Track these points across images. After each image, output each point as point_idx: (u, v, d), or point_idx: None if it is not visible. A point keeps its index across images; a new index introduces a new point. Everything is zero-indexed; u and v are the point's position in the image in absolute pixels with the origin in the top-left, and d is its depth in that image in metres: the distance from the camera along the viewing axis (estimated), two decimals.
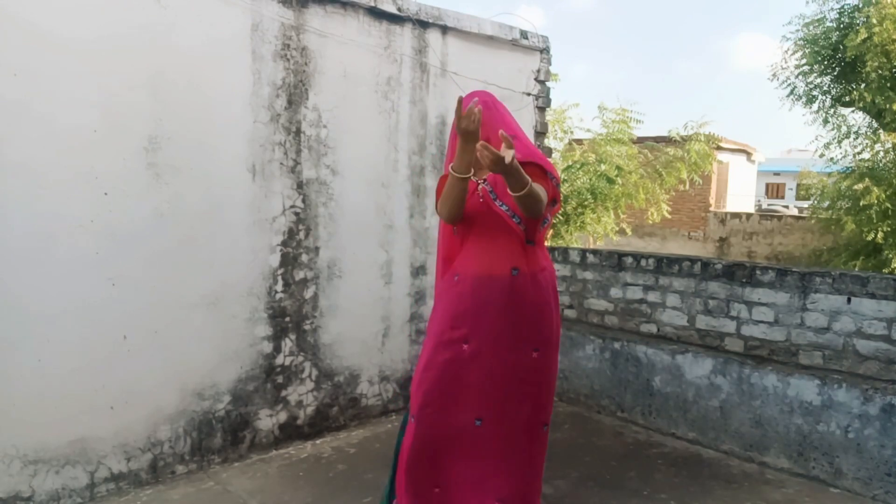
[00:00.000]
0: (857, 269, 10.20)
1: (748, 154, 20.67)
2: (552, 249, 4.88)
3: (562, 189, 9.24)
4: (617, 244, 11.18)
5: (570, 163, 9.63)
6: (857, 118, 11.13)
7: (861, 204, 9.96)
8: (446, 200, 2.32)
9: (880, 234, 10.00)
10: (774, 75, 11.50)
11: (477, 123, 2.15)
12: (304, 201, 3.65)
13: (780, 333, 3.64)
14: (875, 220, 9.96)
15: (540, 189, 2.23)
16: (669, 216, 11.24)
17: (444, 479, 2.42)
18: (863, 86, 10.13)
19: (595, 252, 4.62)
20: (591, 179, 9.24)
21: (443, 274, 2.54)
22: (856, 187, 10.03)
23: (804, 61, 10.83)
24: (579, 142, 10.62)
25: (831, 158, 11.27)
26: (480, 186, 2.37)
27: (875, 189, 9.78)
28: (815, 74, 10.88)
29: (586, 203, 9.33)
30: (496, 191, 2.33)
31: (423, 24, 4.07)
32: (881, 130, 10.46)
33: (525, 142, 2.48)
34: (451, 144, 2.44)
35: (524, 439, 2.44)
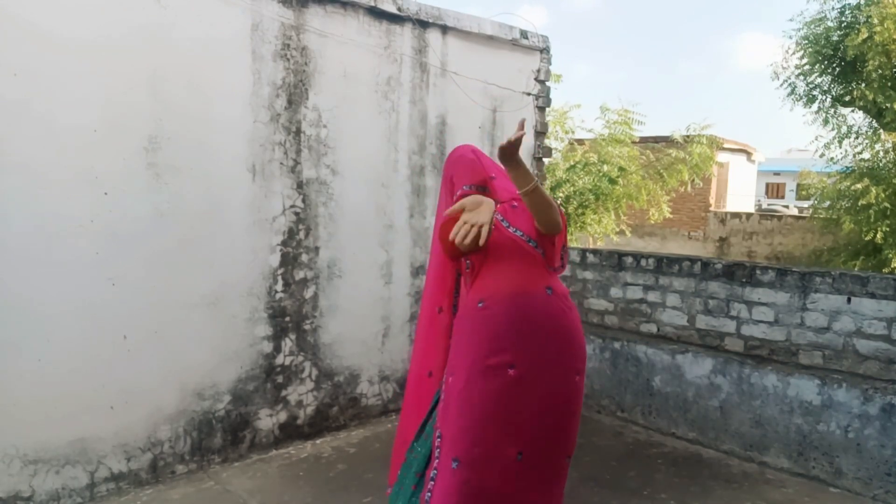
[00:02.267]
0: (857, 268, 10.20)
1: (748, 154, 20.67)
2: None
3: (563, 190, 9.26)
4: (617, 244, 11.18)
5: (573, 163, 9.64)
6: (857, 118, 11.14)
7: (860, 204, 9.96)
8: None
9: (879, 234, 10.00)
10: (775, 75, 11.51)
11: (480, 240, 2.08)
12: (304, 201, 3.65)
13: (780, 333, 3.64)
14: (874, 220, 9.96)
15: (552, 200, 2.13)
16: (670, 216, 11.25)
17: None
18: (863, 85, 10.13)
19: (595, 252, 4.62)
20: (593, 180, 9.25)
21: (431, 316, 2.42)
22: (855, 187, 10.03)
23: (805, 61, 10.83)
24: (580, 142, 10.63)
25: (831, 158, 11.26)
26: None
27: (874, 189, 9.78)
28: (816, 74, 10.88)
29: (587, 203, 9.33)
30: (507, 218, 2.24)
31: (423, 24, 4.07)
32: (881, 130, 10.46)
33: (510, 186, 2.35)
34: (443, 199, 2.42)
35: (552, 473, 2.22)
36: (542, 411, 2.14)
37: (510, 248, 2.21)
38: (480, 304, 2.19)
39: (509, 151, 2.00)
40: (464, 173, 2.37)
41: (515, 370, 2.11)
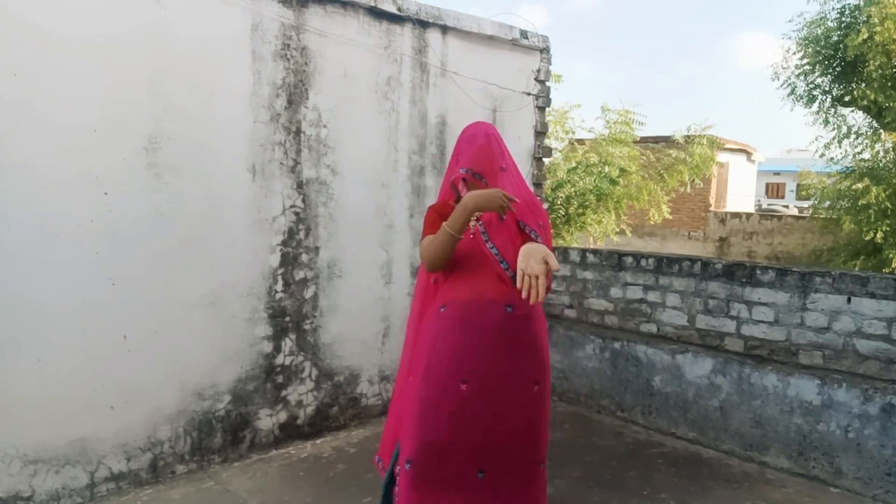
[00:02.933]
0: (857, 268, 10.20)
1: (748, 154, 20.68)
2: (552, 250, 4.87)
3: (564, 190, 9.26)
4: (617, 244, 11.19)
5: (575, 164, 9.63)
6: (857, 118, 11.14)
7: (860, 203, 9.96)
8: (435, 252, 2.12)
9: (880, 234, 10.00)
10: (776, 75, 11.52)
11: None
12: (304, 201, 3.65)
13: (780, 333, 3.64)
14: (874, 220, 9.96)
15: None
16: (670, 216, 11.25)
17: None
18: (863, 85, 10.13)
19: (595, 252, 4.62)
20: (594, 180, 9.25)
21: (417, 322, 2.38)
22: (855, 187, 10.04)
23: (805, 61, 10.83)
24: (581, 142, 10.63)
25: (831, 158, 11.27)
26: (473, 225, 2.21)
27: (874, 188, 9.78)
28: (817, 74, 10.89)
29: (587, 204, 9.34)
30: (489, 232, 2.18)
31: (423, 24, 4.07)
32: (881, 130, 10.46)
33: (518, 181, 2.34)
34: (446, 185, 2.37)
35: (524, 483, 2.23)
36: (501, 423, 2.15)
37: (479, 260, 2.19)
38: (443, 310, 2.21)
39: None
40: (469, 154, 2.25)
41: (468, 385, 2.13)
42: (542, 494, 2.30)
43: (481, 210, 2.08)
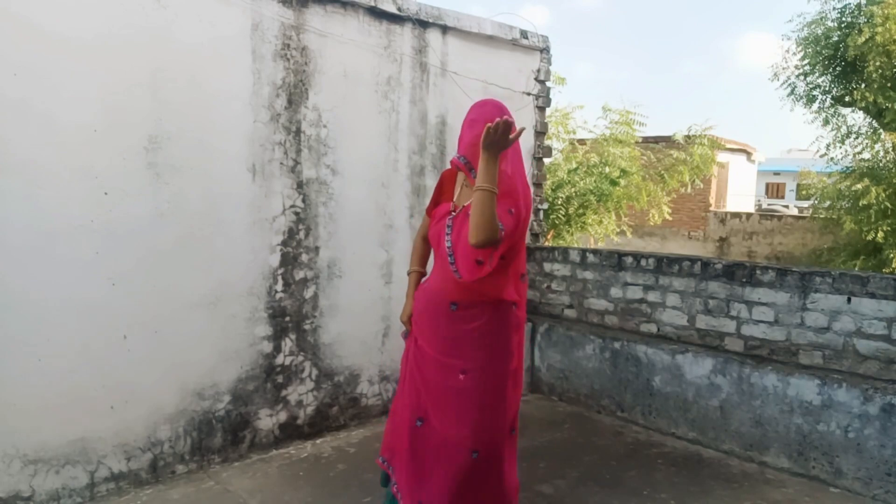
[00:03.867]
0: (857, 268, 10.20)
1: (748, 154, 20.68)
2: (552, 249, 4.88)
3: (564, 191, 9.26)
4: (617, 244, 11.19)
5: (575, 165, 9.64)
6: (857, 118, 11.14)
7: (861, 203, 9.96)
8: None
9: (880, 234, 10.00)
10: (776, 75, 11.52)
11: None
12: (304, 201, 3.65)
13: (780, 333, 3.64)
14: (874, 220, 9.97)
15: (490, 214, 2.03)
16: (670, 217, 11.25)
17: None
18: (863, 86, 10.13)
19: (595, 252, 4.62)
20: (594, 181, 9.26)
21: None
22: (855, 187, 10.04)
23: (806, 61, 10.83)
24: (582, 142, 10.63)
25: (831, 158, 11.27)
26: (450, 219, 2.31)
27: (874, 188, 9.79)
28: (817, 74, 10.89)
29: (588, 204, 9.34)
30: (454, 227, 2.28)
31: (423, 24, 4.07)
32: (881, 130, 10.46)
33: (517, 166, 2.34)
34: (467, 134, 2.32)
35: (451, 459, 2.33)
36: (431, 391, 2.37)
37: (442, 253, 2.32)
38: (423, 281, 2.53)
39: (494, 138, 1.98)
40: (466, 141, 2.28)
41: (417, 344, 2.43)
42: (467, 483, 2.33)
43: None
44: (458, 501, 2.32)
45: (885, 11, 9.25)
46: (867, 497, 3.18)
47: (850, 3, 10.40)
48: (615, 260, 4.46)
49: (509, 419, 2.41)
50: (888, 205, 9.87)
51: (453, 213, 2.33)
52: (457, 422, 2.32)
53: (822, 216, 12.32)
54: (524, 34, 4.64)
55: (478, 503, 2.37)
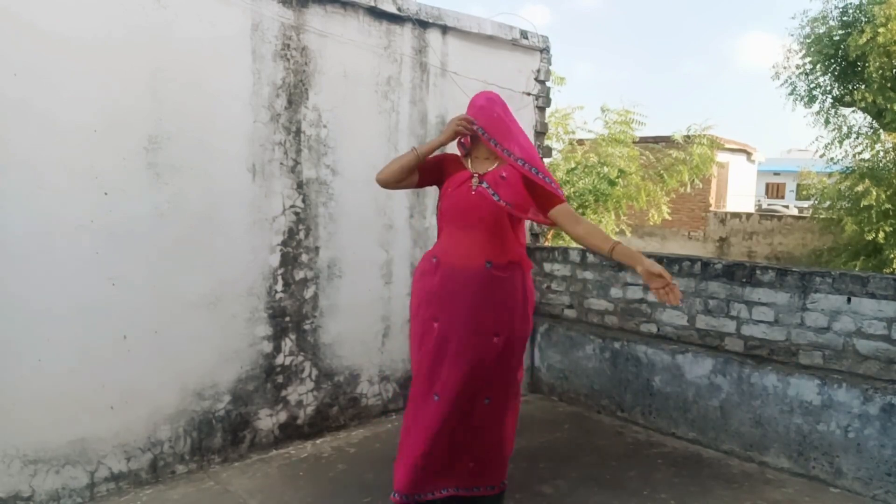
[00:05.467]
0: (857, 269, 10.20)
1: (748, 154, 20.68)
2: (552, 250, 4.89)
3: (563, 191, 9.28)
4: None
5: (574, 165, 9.63)
6: (857, 118, 11.15)
7: (861, 204, 9.96)
8: (394, 166, 2.66)
9: (882, 234, 10.00)
10: (777, 74, 11.52)
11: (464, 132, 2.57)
12: (304, 201, 3.65)
13: (780, 333, 3.64)
14: (875, 220, 9.97)
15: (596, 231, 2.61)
16: (669, 217, 11.25)
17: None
18: (863, 86, 10.13)
19: (595, 252, 4.62)
20: (593, 181, 9.26)
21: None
22: (857, 188, 10.03)
23: (807, 60, 10.83)
24: (581, 142, 10.63)
25: (831, 158, 11.28)
26: (477, 184, 2.55)
27: (875, 189, 9.79)
28: (818, 74, 10.89)
29: (587, 204, 9.33)
30: (498, 192, 2.53)
31: (423, 24, 4.07)
32: (881, 130, 10.46)
33: (524, 143, 2.63)
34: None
35: (471, 412, 2.60)
36: (457, 362, 2.51)
37: (477, 217, 2.53)
38: (434, 260, 2.60)
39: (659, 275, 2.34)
40: (485, 118, 2.59)
41: (439, 324, 2.53)
42: (499, 433, 2.66)
43: (448, 136, 2.57)
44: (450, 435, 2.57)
45: (887, 12, 9.24)
46: (867, 497, 3.18)
47: (851, 3, 10.40)
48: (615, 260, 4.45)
49: (519, 381, 2.75)
50: (889, 206, 9.88)
51: (479, 180, 2.56)
52: (484, 380, 2.58)
53: (822, 216, 12.33)
54: (524, 34, 4.64)
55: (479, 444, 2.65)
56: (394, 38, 3.95)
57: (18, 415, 2.79)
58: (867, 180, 10.00)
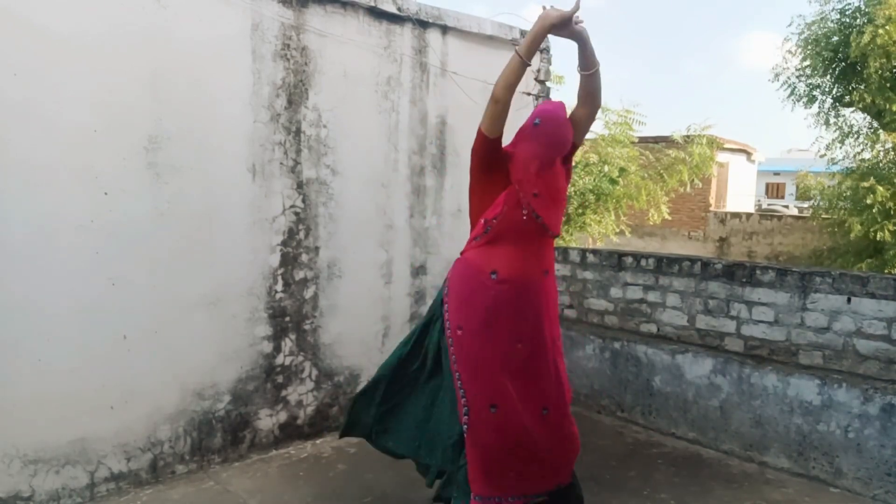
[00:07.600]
0: (859, 269, 10.19)
1: (748, 154, 20.66)
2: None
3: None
4: (617, 244, 11.19)
5: (574, 164, 9.63)
6: (857, 118, 11.14)
7: (866, 202, 9.94)
8: (505, 79, 2.66)
9: (887, 233, 9.98)
10: (776, 76, 11.51)
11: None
12: (304, 201, 3.65)
13: (780, 333, 3.64)
14: (878, 220, 9.96)
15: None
16: (669, 217, 11.25)
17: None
18: (863, 86, 10.12)
19: (595, 252, 4.62)
20: (594, 180, 9.26)
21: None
22: (863, 185, 9.99)
23: (806, 62, 10.83)
24: None
25: (832, 159, 11.27)
26: (526, 211, 2.53)
27: (879, 188, 9.78)
28: (818, 75, 10.88)
29: (587, 203, 9.34)
30: (536, 210, 2.53)
31: (423, 24, 4.07)
32: (881, 130, 10.46)
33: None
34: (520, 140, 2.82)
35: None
36: (535, 370, 2.56)
37: (532, 233, 2.54)
38: (494, 276, 2.50)
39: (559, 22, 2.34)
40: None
41: (523, 344, 2.52)
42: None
43: (552, 27, 2.44)
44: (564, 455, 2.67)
45: (887, 13, 9.24)
46: (867, 497, 3.18)
47: (850, 4, 10.40)
48: (615, 260, 4.46)
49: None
50: (891, 205, 9.87)
51: (525, 209, 2.54)
52: (557, 379, 2.63)
53: (825, 217, 12.30)
54: (524, 34, 4.63)
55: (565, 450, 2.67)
56: (394, 37, 3.95)
57: (19, 414, 2.79)
58: (872, 178, 9.98)
